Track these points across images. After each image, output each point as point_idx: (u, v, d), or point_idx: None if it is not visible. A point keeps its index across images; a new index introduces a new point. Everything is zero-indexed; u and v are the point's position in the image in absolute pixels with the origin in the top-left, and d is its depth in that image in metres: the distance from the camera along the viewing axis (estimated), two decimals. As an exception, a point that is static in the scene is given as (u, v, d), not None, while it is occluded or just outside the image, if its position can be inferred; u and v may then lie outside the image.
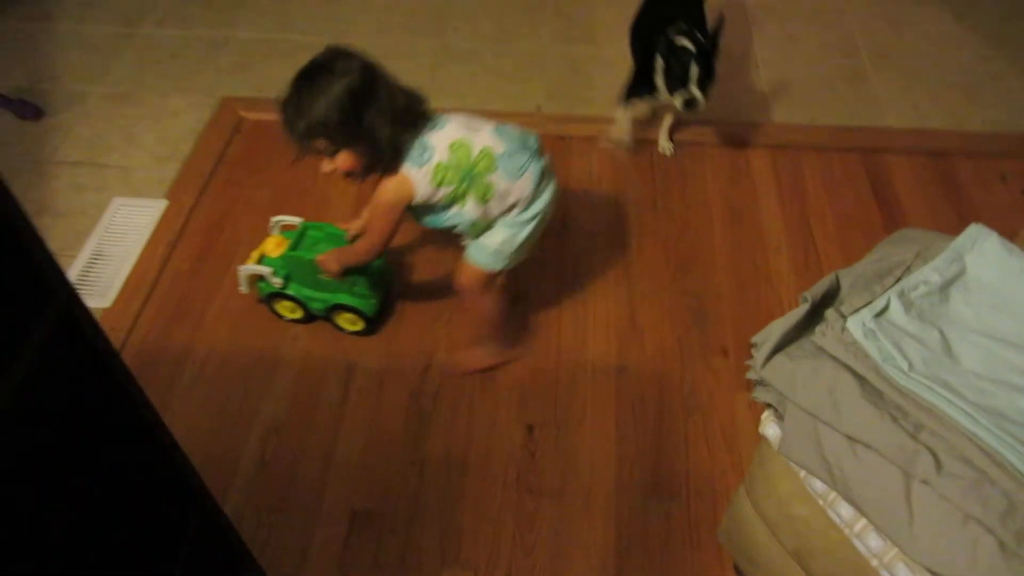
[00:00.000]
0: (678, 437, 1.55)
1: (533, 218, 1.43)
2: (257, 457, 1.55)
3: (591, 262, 1.86)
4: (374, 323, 1.71)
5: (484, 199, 1.39)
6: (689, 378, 1.64)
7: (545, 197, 1.45)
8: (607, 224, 1.94)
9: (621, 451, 1.53)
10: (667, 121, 2.09)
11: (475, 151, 1.38)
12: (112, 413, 0.82)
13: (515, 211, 1.42)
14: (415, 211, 1.44)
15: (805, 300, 0.93)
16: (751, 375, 0.96)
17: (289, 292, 1.67)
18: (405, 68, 2.37)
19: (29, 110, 2.20)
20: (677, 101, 1.85)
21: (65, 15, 2.59)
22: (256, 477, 1.52)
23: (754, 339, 0.94)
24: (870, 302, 0.93)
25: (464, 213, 1.41)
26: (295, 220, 1.73)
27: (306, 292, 1.68)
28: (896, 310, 0.90)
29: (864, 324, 0.88)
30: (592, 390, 1.63)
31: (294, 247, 1.64)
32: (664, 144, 2.10)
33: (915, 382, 0.85)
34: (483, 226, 1.45)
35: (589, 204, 1.98)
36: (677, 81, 1.83)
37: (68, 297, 0.69)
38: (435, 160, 1.36)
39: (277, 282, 1.66)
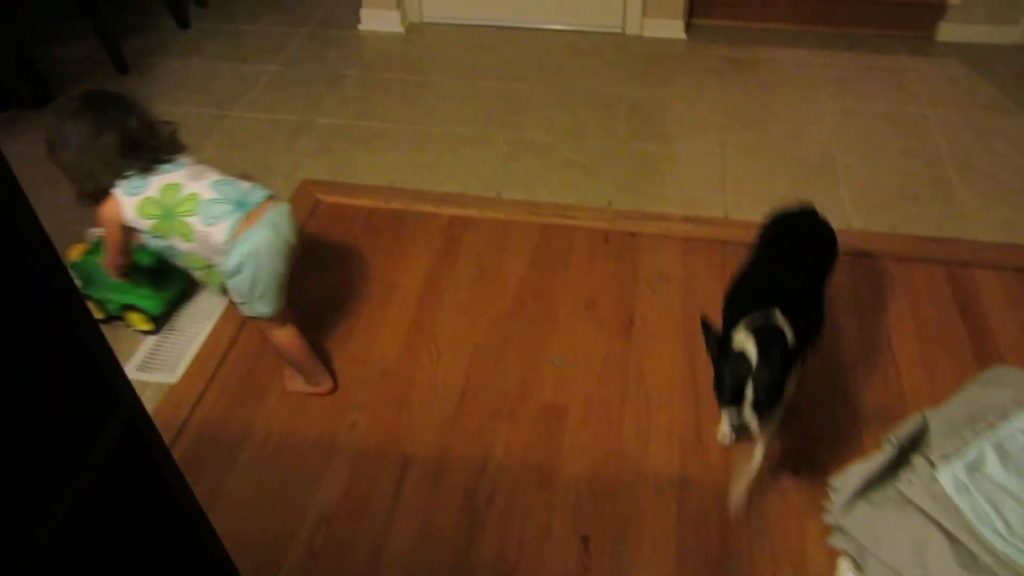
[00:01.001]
0: (743, 562, 1.46)
1: (238, 268, 1.56)
2: (307, 545, 1.52)
3: (657, 364, 1.81)
4: (159, 322, 1.92)
5: (187, 239, 1.59)
6: (756, 497, 1.55)
7: (245, 248, 1.56)
8: (675, 325, 1.89)
9: (681, 572, 1.45)
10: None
11: (182, 194, 1.60)
12: (156, 507, 0.81)
13: (221, 256, 1.58)
14: (144, 237, 1.65)
15: (891, 444, 0.87)
16: (829, 519, 0.89)
17: (89, 293, 1.87)
18: (480, 157, 2.45)
19: (122, 185, 2.31)
20: (724, 423, 1.59)
21: (164, 97, 2.75)
22: (304, 566, 1.49)
23: (832, 482, 0.88)
24: (961, 449, 0.86)
25: (174, 248, 1.63)
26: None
27: (102, 293, 1.87)
28: (992, 463, 0.83)
29: (956, 477, 0.82)
30: (652, 502, 1.56)
31: (91, 252, 1.87)
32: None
33: (1014, 548, 0.77)
34: (205, 271, 1.65)
35: (657, 303, 1.94)
36: (728, 394, 1.34)
37: (132, 408, 0.69)
38: (144, 194, 1.60)
39: (77, 284, 1.73)
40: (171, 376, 1.81)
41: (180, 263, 1.69)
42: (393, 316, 1.94)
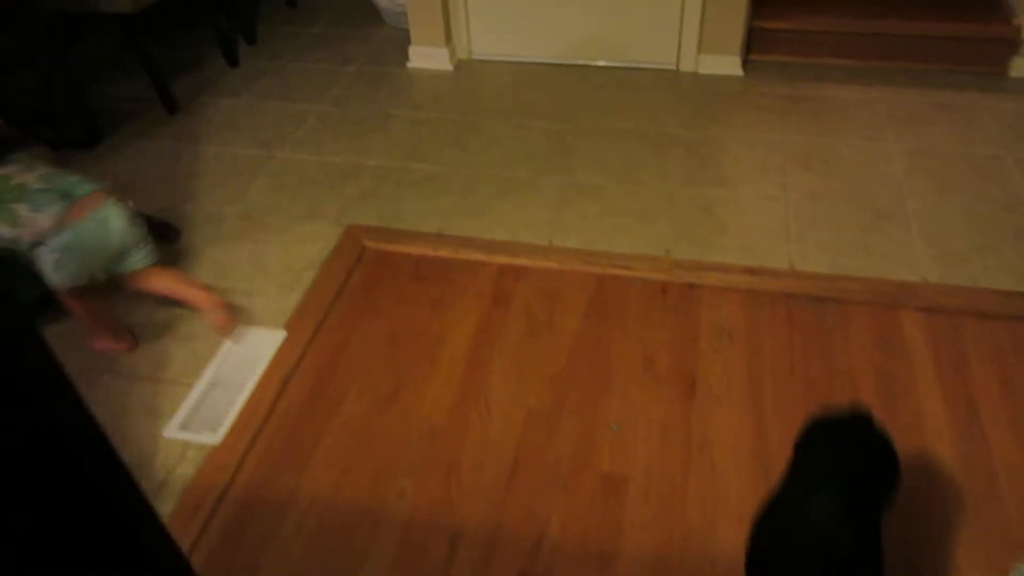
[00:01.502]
0: (823, 660, 1.34)
1: (63, 247, 1.74)
2: (350, 625, 1.44)
3: (721, 432, 1.70)
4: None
5: (14, 224, 1.71)
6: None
7: (67, 238, 1.74)
8: (740, 388, 1.78)
9: (754, 670, 1.33)
10: None
11: (11, 183, 1.74)
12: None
13: (48, 239, 1.73)
14: None
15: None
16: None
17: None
18: (530, 202, 2.37)
19: (169, 232, 2.29)
20: None
21: (213, 137, 2.73)
22: (347, 649, 1.41)
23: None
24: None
25: (3, 232, 1.72)
26: None
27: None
28: None
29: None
30: (721, 588, 1.44)
31: None
32: None
33: None
34: (31, 249, 1.75)
35: (720, 363, 1.83)
36: None
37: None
38: None
39: None
40: (213, 437, 1.75)
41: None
42: (442, 373, 1.86)
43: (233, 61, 3.15)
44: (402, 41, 3.18)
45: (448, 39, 2.99)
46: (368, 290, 2.10)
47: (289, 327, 2.00)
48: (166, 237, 2.28)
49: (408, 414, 1.78)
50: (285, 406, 1.82)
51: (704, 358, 1.85)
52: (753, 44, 2.89)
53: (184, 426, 1.79)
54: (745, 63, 2.87)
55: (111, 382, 1.90)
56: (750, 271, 2.04)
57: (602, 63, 2.97)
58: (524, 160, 2.52)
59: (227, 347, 1.95)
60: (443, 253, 2.20)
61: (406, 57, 3.08)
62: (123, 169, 2.61)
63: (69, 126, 2.67)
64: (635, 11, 2.82)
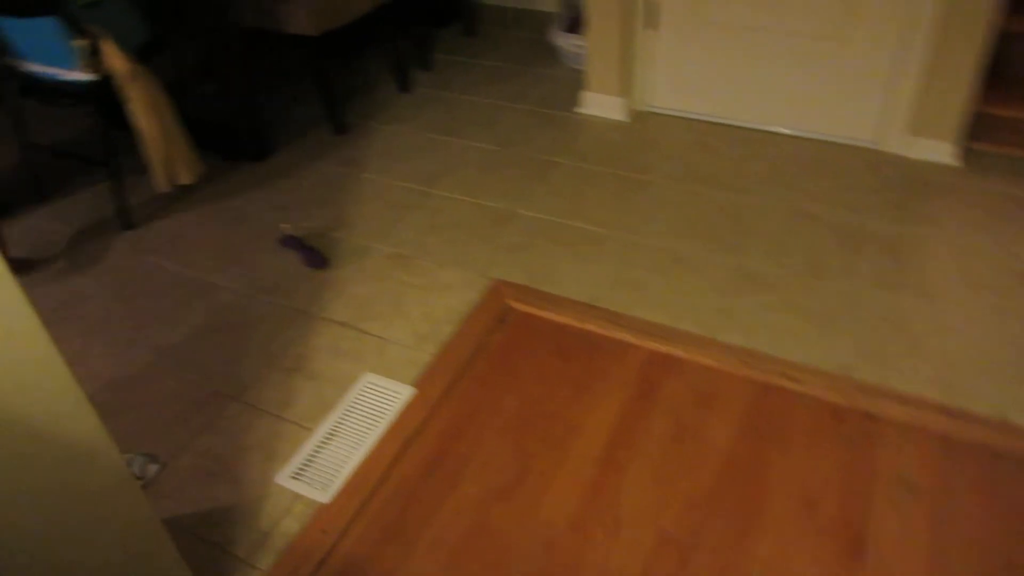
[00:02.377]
0: None
1: None
2: None
3: (891, 608, 1.42)
4: None
5: None
6: None
7: None
8: (917, 560, 1.49)
9: None
10: None
11: None
12: None
13: None
14: None
15: None
16: None
17: None
18: (694, 283, 2.15)
19: (318, 259, 2.25)
20: None
21: (374, 165, 2.70)
22: None
23: None
24: None
25: None
26: None
27: None
28: None
29: None
30: None
31: None
32: None
33: None
34: None
35: (896, 522, 1.55)
36: None
37: None
38: None
39: None
40: (323, 494, 1.66)
41: None
42: (570, 469, 1.69)
43: (405, 87, 3.13)
44: (577, 84, 3.05)
45: (625, 88, 2.83)
46: (506, 356, 1.96)
47: (419, 384, 1.89)
48: (314, 264, 2.25)
49: (526, 512, 1.61)
50: (401, 473, 1.70)
51: (878, 512, 1.56)
52: (976, 131, 2.52)
53: (297, 475, 1.71)
54: (964, 152, 2.51)
55: (238, 411, 1.86)
56: (947, 412, 1.73)
57: (791, 132, 2.71)
58: (693, 232, 2.30)
59: (351, 396, 1.87)
60: (590, 327, 2.02)
61: (579, 102, 2.94)
62: (285, 187, 2.63)
63: (242, 138, 2.72)
64: (834, 77, 2.54)
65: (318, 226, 2.43)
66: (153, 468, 1.74)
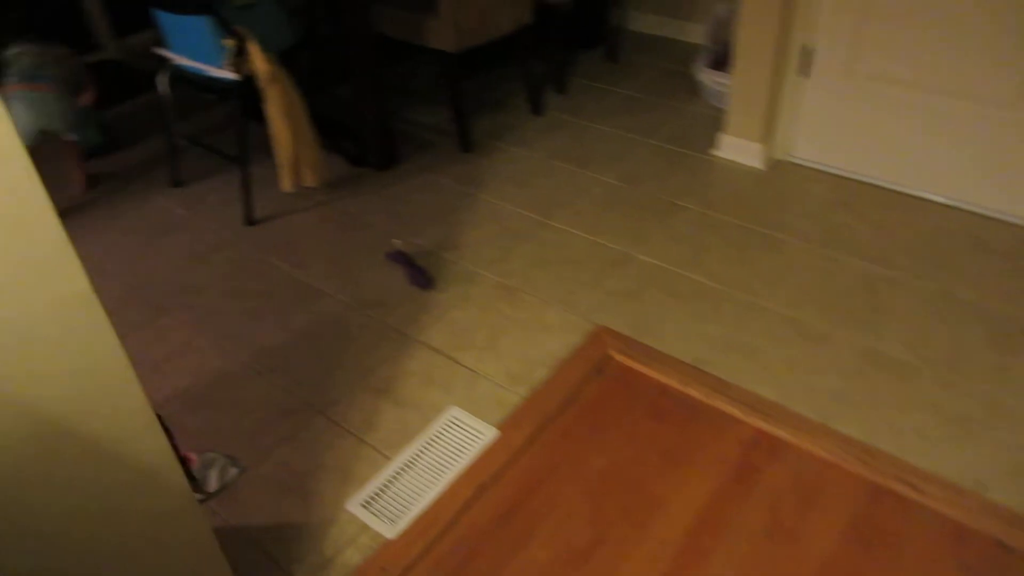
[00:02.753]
0: None
1: None
2: None
3: None
4: None
5: None
6: None
7: None
8: None
9: None
10: None
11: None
12: None
13: None
14: None
15: None
16: None
17: None
18: (814, 359, 1.97)
19: (424, 280, 2.22)
20: None
21: (495, 188, 2.66)
22: None
23: None
24: None
25: None
26: None
27: None
28: None
29: None
30: None
31: None
32: None
33: None
34: None
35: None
36: None
37: None
38: None
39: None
40: (390, 529, 1.62)
41: None
42: (649, 547, 1.56)
43: (537, 109, 3.08)
44: (715, 123, 2.90)
45: (766, 134, 2.66)
46: (598, 410, 1.86)
47: (504, 427, 1.82)
48: (419, 283, 2.23)
49: (596, 586, 1.51)
50: (470, 521, 1.64)
51: (1000, 664, 1.36)
52: None
53: (368, 504, 1.68)
54: None
55: (322, 426, 1.85)
56: (1100, 558, 1.49)
57: (946, 201, 2.45)
58: (821, 302, 2.12)
59: (434, 429, 1.82)
60: (692, 391, 1.89)
61: (714, 143, 2.79)
62: (404, 199, 2.63)
63: (369, 145, 2.75)
64: (1003, 146, 2.28)
65: (429, 244, 2.41)
66: (233, 472, 1.75)
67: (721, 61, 3.06)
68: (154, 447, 1.06)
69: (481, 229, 2.47)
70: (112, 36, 3.80)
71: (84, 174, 2.79)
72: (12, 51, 2.68)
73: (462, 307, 2.17)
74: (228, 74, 2.34)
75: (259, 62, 2.29)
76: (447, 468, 1.74)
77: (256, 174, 2.77)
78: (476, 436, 1.80)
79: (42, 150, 2.54)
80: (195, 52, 2.41)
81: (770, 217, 2.45)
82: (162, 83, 2.54)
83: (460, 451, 1.77)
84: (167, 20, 2.42)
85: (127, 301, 2.25)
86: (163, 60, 2.55)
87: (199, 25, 2.30)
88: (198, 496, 1.53)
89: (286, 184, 2.48)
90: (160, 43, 2.53)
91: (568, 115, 3.07)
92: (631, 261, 2.30)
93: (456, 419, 1.85)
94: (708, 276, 2.23)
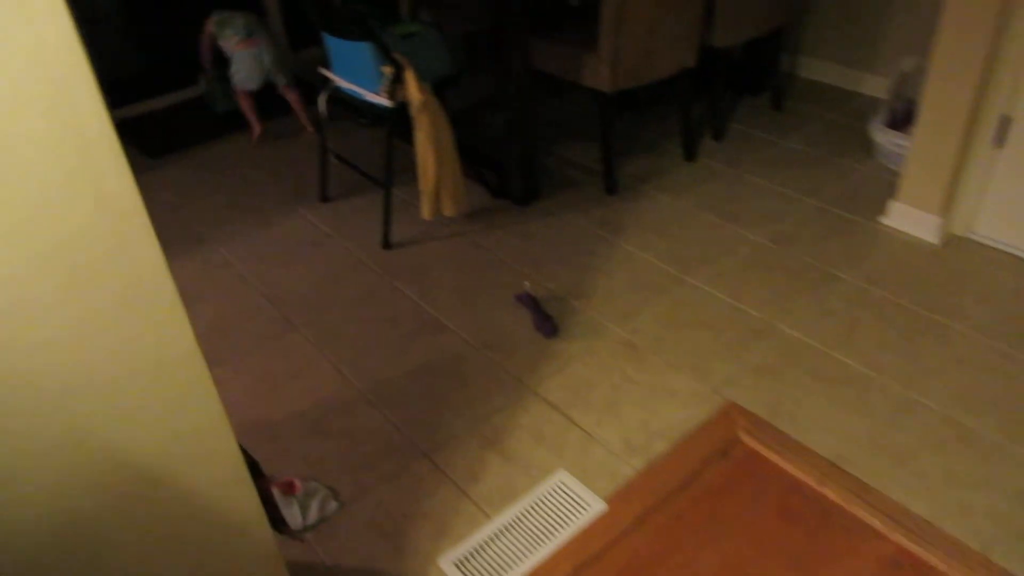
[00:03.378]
0: None
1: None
2: None
3: None
4: None
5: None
6: None
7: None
8: None
9: None
10: None
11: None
12: None
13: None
14: None
15: None
16: None
17: None
18: (977, 476, 1.71)
19: (548, 327, 2.14)
20: None
21: (634, 234, 2.54)
22: None
23: None
24: None
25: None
26: None
27: None
28: None
29: None
30: None
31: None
32: None
33: None
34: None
35: None
36: None
37: None
38: None
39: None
40: (479, 597, 1.54)
41: None
42: (759, 669, 1.40)
43: (691, 155, 2.94)
44: (886, 188, 2.65)
45: (945, 206, 2.38)
46: (718, 498, 1.70)
47: (613, 502, 1.70)
48: (544, 331, 2.15)
49: None
50: (563, 603, 1.53)
51: None
52: None
53: (461, 564, 1.61)
54: None
55: (426, 470, 1.80)
56: None
57: None
58: (991, 406, 1.85)
59: (537, 492, 1.73)
60: (829, 492, 1.69)
61: (883, 209, 2.54)
62: (540, 237, 2.56)
63: (512, 178, 2.71)
64: None
65: (559, 288, 2.33)
66: (333, 506, 1.73)
67: (901, 120, 2.80)
68: (241, 497, 1.03)
69: (615, 278, 2.36)
70: (289, 49, 4.01)
71: (306, 113, 3.31)
72: (221, 15, 3.11)
73: (585, 361, 2.07)
74: (382, 100, 2.37)
75: (413, 90, 2.30)
76: (547, 538, 1.64)
77: (398, 197, 2.80)
78: (582, 507, 1.69)
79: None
80: (354, 76, 2.46)
81: (941, 300, 2.19)
82: (321, 102, 2.61)
83: (563, 521, 1.67)
84: (332, 43, 2.48)
85: (260, 312, 2.32)
86: (325, 80, 2.62)
87: (361, 51, 2.34)
88: (294, 529, 1.52)
89: (425, 212, 2.48)
90: (326, 63, 2.61)
91: (722, 164, 2.91)
92: (773, 332, 2.12)
93: (563, 485, 1.75)
94: (860, 360, 2.01)
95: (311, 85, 3.65)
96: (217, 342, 2.21)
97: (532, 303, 2.23)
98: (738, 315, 2.19)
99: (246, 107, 3.24)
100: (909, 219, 2.46)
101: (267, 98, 3.21)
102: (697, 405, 1.92)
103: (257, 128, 3.27)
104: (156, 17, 3.59)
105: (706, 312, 2.21)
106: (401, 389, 2.02)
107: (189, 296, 2.40)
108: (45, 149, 0.69)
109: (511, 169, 2.69)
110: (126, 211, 0.77)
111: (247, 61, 3.09)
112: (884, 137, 2.76)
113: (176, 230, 2.73)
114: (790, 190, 2.73)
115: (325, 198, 2.84)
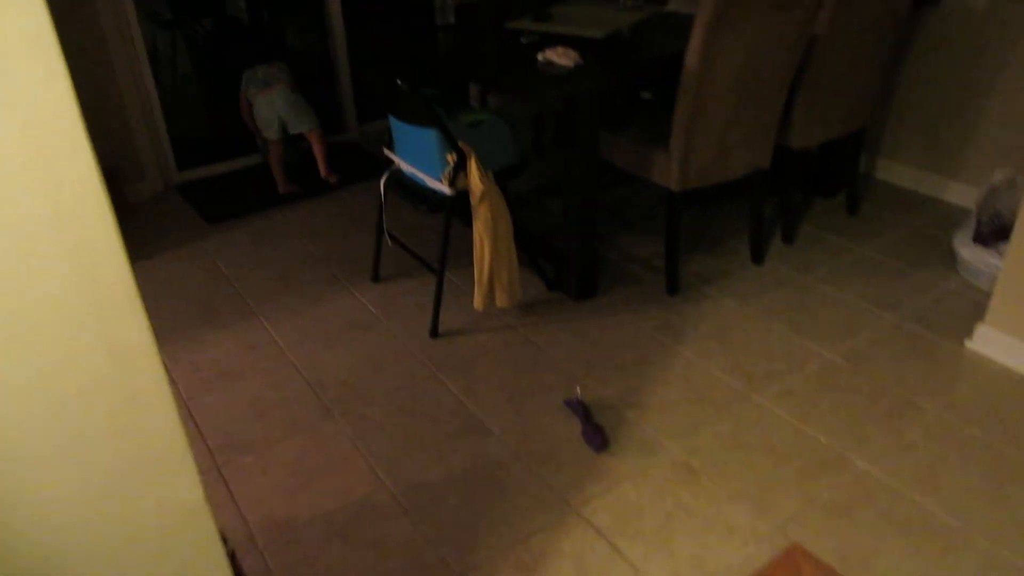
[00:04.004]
0: None
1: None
2: None
3: None
4: None
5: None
6: None
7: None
8: None
9: None
10: None
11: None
12: None
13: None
14: None
15: None
16: None
17: None
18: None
19: (598, 440, 2.00)
20: None
21: (693, 340, 2.40)
22: None
23: None
24: None
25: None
26: None
27: None
28: None
29: None
30: None
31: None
32: None
33: None
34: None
35: None
36: None
37: None
38: None
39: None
40: None
41: None
42: None
43: (759, 257, 2.80)
44: (972, 306, 2.46)
45: (1043, 336, 2.19)
46: (777, 662, 1.51)
47: (657, 654, 1.52)
48: (592, 443, 2.01)
49: None
50: None
51: None
52: None
53: None
54: None
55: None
56: None
57: None
58: (1099, 581, 1.63)
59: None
60: (907, 668, 1.48)
61: (969, 332, 2.35)
62: (595, 338, 2.44)
63: (569, 270, 2.60)
64: None
65: (612, 396, 2.19)
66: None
67: (988, 234, 2.63)
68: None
69: (672, 389, 2.21)
70: (356, 122, 4.05)
71: (326, 158, 3.40)
72: (250, 71, 3.28)
73: (636, 482, 1.91)
74: (443, 187, 2.31)
75: (475, 180, 2.24)
76: None
77: (451, 282, 2.72)
78: (624, 657, 1.52)
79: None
80: (418, 160, 2.42)
81: (1036, 444, 1.98)
82: (382, 182, 2.57)
83: (602, 672, 1.50)
84: (398, 126, 2.45)
85: (299, 396, 2.23)
86: (389, 160, 2.59)
87: (426, 136, 2.30)
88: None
89: (478, 302, 2.39)
90: (390, 143, 2.58)
91: (792, 269, 2.76)
92: (845, 466, 1.93)
93: (605, 627, 1.58)
94: (943, 505, 1.81)
95: (375, 157, 3.66)
96: (251, 426, 2.12)
97: (582, 411, 2.09)
98: (806, 441, 2.01)
99: (273, 159, 3.36)
100: (1000, 346, 2.26)
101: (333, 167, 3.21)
102: (758, 543, 1.74)
103: (283, 185, 3.37)
104: (228, 82, 3.68)
105: (771, 435, 2.04)
106: (437, 497, 1.89)
107: (230, 374, 2.33)
108: (64, 310, 0.61)
109: (569, 261, 2.59)
110: (141, 367, 0.68)
111: (262, 108, 3.24)
112: (971, 252, 2.58)
113: (225, 301, 2.69)
114: (866, 302, 2.55)
115: (377, 278, 2.78)
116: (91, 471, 0.68)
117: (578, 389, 2.18)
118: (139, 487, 0.73)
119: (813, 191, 3.25)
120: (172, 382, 2.30)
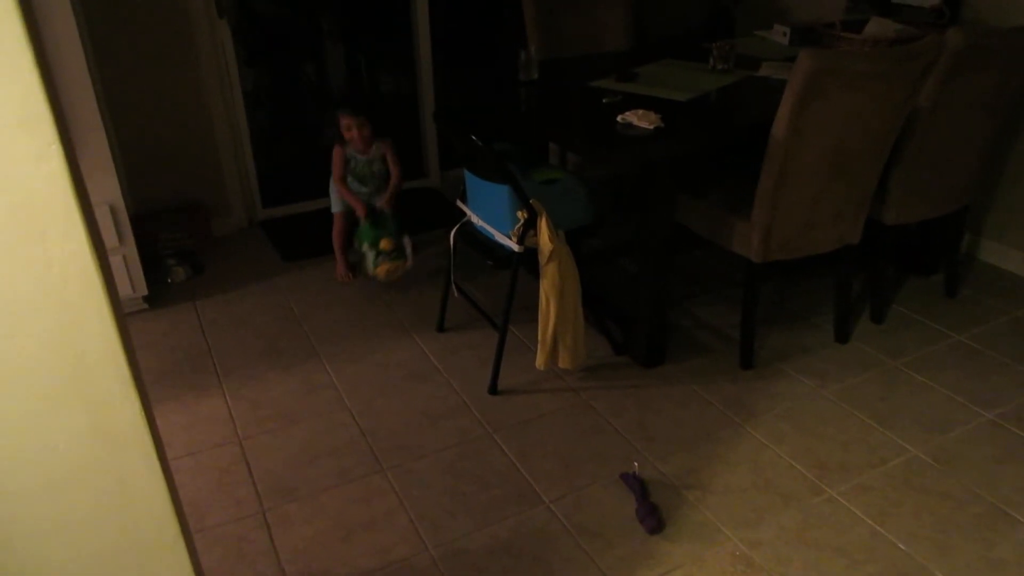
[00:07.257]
0: None
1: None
2: None
3: None
4: None
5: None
6: None
7: None
8: None
9: None
10: None
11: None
12: None
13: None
14: None
15: None
16: None
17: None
18: None
19: (652, 521, 1.88)
20: None
21: (764, 424, 2.25)
22: None
23: None
24: None
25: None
26: None
27: None
28: None
29: None
30: None
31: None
32: None
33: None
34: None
35: None
36: None
37: None
38: None
39: None
40: None
41: None
42: None
43: (843, 336, 2.63)
44: (1084, 413, 2.23)
45: None
46: None
47: None
48: (646, 523, 1.89)
49: None
50: None
51: None
52: None
53: None
54: None
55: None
56: None
57: None
58: None
59: None
60: None
61: (1079, 439, 2.13)
62: (659, 409, 2.33)
63: (638, 335, 2.51)
64: None
65: (671, 473, 2.07)
66: None
67: (1105, 331, 2.39)
68: None
69: (737, 473, 2.07)
70: (439, 168, 4.09)
71: (395, 193, 3.03)
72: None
73: (689, 570, 1.78)
74: (512, 243, 2.27)
75: (544, 239, 2.19)
76: None
77: (514, 337, 2.67)
78: None
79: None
80: (488, 214, 2.40)
81: None
82: (452, 233, 2.56)
83: None
84: (472, 179, 2.44)
85: (350, 445, 2.20)
86: (461, 213, 2.58)
87: (498, 192, 2.28)
88: None
89: (540, 362, 2.32)
90: (463, 195, 2.58)
91: (880, 352, 2.58)
92: (926, 580, 1.75)
93: None
94: (1040, 642, 1.61)
95: (449, 203, 3.67)
96: (299, 472, 2.10)
97: (639, 487, 1.98)
98: (883, 546, 1.84)
99: (336, 232, 3.09)
100: (1112, 458, 2.03)
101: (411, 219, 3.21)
102: (820, 659, 1.58)
103: (342, 268, 3.10)
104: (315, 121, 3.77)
105: (843, 535, 1.87)
106: (478, 567, 1.81)
107: (287, 415, 2.33)
108: (51, 393, 0.58)
109: (639, 325, 2.50)
110: (132, 452, 0.65)
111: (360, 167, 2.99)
112: (1083, 350, 2.35)
113: (289, 341, 2.71)
114: (960, 396, 2.35)
115: (442, 328, 2.75)
116: (80, 551, 0.65)
117: (636, 465, 2.08)
118: (129, 570, 0.70)
119: (908, 268, 3.06)
120: (230, 420, 2.32)
